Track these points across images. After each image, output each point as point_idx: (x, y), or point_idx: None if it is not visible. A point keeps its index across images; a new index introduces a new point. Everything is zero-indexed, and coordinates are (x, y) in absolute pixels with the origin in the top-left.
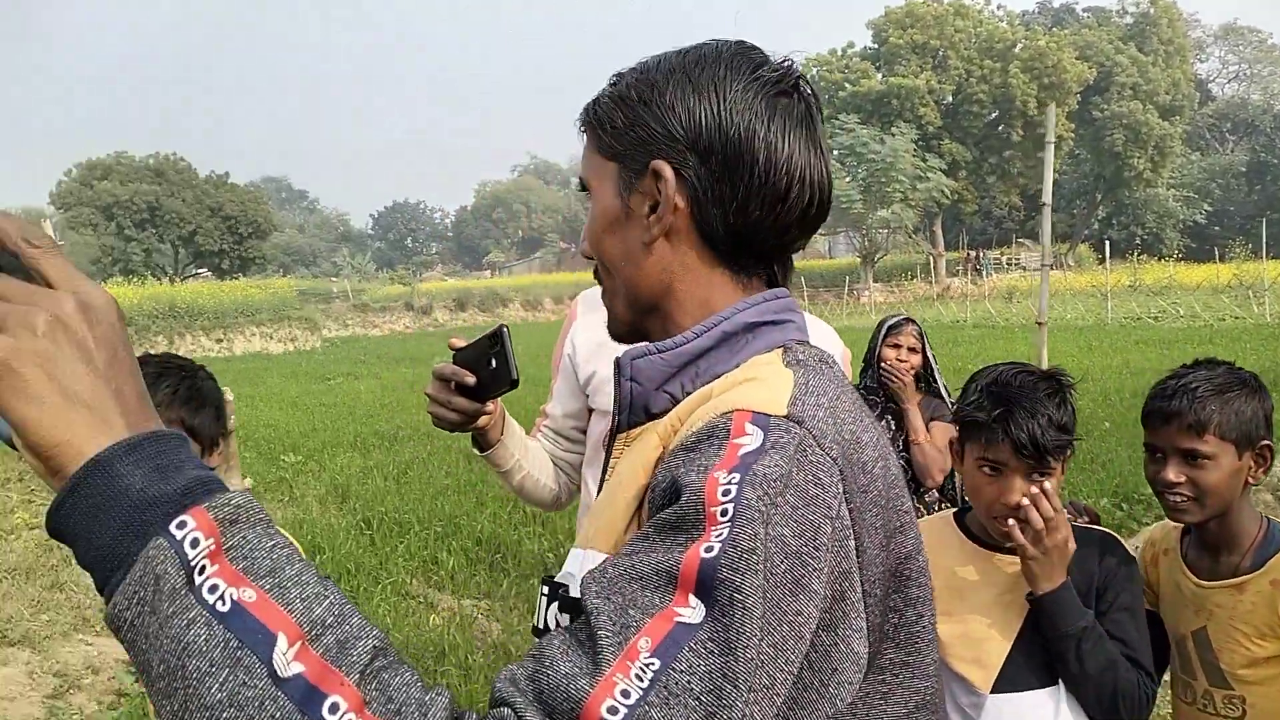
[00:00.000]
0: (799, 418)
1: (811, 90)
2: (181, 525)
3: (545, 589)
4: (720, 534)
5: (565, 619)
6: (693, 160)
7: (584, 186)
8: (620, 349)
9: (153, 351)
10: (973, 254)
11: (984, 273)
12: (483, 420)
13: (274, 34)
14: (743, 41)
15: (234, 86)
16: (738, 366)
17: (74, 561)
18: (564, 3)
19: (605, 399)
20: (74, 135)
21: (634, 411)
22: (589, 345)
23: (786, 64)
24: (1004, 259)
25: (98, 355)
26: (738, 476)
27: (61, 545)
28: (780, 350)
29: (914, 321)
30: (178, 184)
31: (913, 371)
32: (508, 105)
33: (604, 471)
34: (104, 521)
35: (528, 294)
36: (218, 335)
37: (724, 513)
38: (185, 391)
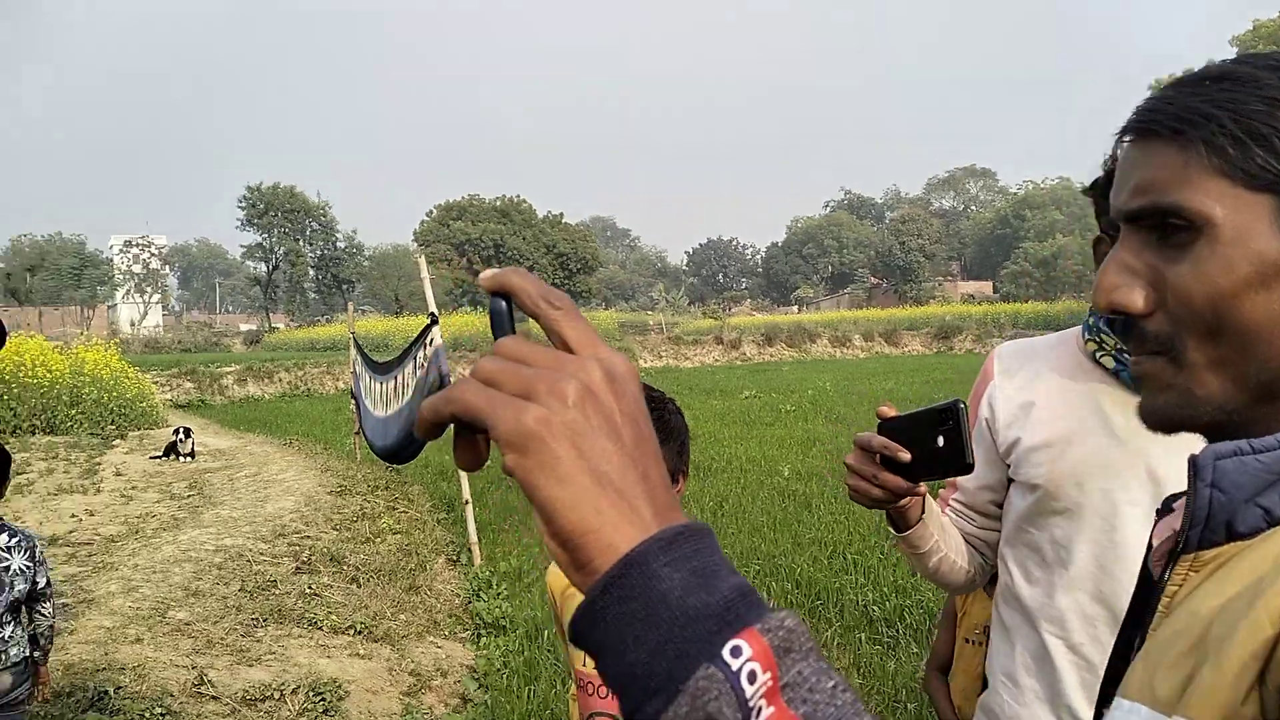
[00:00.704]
0: None
1: None
2: (736, 652)
3: None
4: None
5: None
6: None
7: (1164, 215)
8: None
9: None
10: None
11: None
12: (906, 500)
13: (603, 87)
14: None
15: (569, 138)
16: None
17: (428, 567)
18: (881, 41)
19: (1032, 470)
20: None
21: (1212, 528)
22: (1010, 409)
23: None
24: None
25: (624, 431)
26: None
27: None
28: None
29: None
30: (519, 223)
31: None
32: (822, 142)
33: (1156, 600)
34: (638, 633)
35: (835, 329)
36: None
37: None
38: (654, 422)
